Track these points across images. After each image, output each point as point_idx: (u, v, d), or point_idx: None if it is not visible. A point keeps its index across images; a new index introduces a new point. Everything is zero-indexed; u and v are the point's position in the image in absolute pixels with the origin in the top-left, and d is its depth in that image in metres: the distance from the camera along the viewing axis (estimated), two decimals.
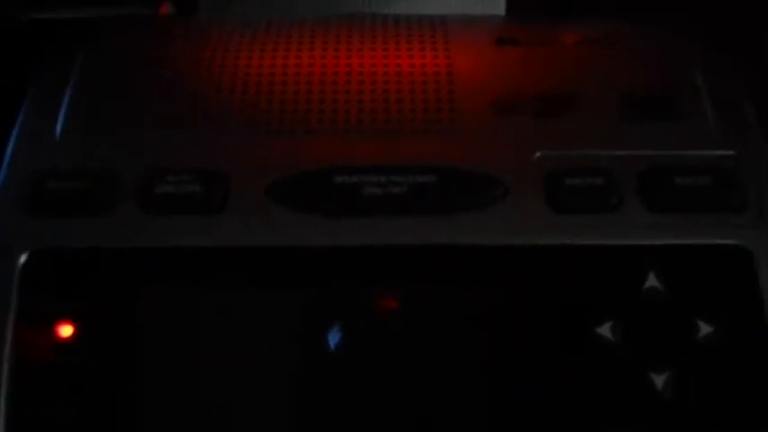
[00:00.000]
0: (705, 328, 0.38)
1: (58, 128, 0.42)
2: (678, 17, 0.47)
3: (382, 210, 0.39)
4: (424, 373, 0.38)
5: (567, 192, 0.40)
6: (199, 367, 0.38)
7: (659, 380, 0.37)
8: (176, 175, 0.40)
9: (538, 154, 0.41)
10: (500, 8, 0.48)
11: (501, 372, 0.38)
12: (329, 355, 0.37)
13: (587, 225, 0.39)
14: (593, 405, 0.37)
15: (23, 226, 0.39)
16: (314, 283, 0.38)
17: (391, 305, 0.38)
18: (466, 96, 0.43)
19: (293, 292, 0.38)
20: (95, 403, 0.37)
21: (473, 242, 0.39)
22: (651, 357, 0.38)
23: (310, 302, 0.38)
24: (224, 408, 0.37)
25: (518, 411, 0.37)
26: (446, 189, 0.40)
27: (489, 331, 0.38)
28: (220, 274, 0.38)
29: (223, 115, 0.42)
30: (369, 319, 0.38)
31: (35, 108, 0.42)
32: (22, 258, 0.38)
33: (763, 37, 0.49)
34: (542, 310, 0.38)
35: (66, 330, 0.38)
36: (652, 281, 0.38)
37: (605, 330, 0.38)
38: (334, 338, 0.38)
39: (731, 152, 0.41)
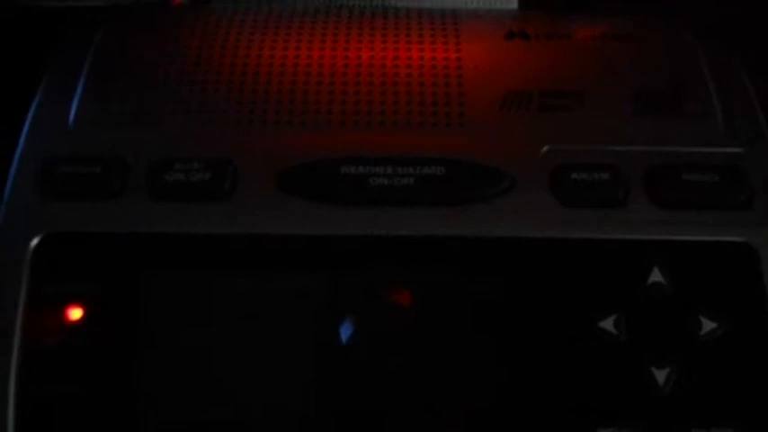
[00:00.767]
0: (708, 325, 0.38)
1: (72, 114, 0.42)
2: (686, 14, 0.47)
3: (389, 200, 0.39)
4: (429, 362, 0.38)
5: (573, 186, 0.40)
6: (206, 351, 0.38)
7: (660, 375, 0.38)
8: (186, 162, 0.40)
9: (545, 148, 0.41)
10: (512, 2, 0.48)
11: (504, 362, 0.38)
12: (340, 345, 0.38)
13: (593, 219, 0.39)
14: (594, 398, 0.37)
15: (36, 210, 0.39)
16: (319, 269, 0.39)
17: (398, 296, 0.39)
18: (475, 90, 0.43)
19: (299, 278, 0.38)
20: (104, 385, 0.38)
21: (478, 234, 0.39)
22: (653, 352, 0.38)
23: (317, 288, 0.38)
24: (231, 392, 0.38)
25: (520, 399, 0.38)
26: (453, 181, 0.40)
27: (493, 322, 0.38)
28: (228, 261, 0.39)
29: (234, 105, 0.42)
30: (377, 308, 0.38)
31: (49, 95, 0.43)
32: (35, 241, 0.39)
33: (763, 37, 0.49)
34: (546, 303, 0.38)
35: (75, 313, 0.38)
36: (656, 276, 0.39)
37: (608, 324, 0.38)
38: (346, 332, 0.38)
39: (738, 149, 0.41)
